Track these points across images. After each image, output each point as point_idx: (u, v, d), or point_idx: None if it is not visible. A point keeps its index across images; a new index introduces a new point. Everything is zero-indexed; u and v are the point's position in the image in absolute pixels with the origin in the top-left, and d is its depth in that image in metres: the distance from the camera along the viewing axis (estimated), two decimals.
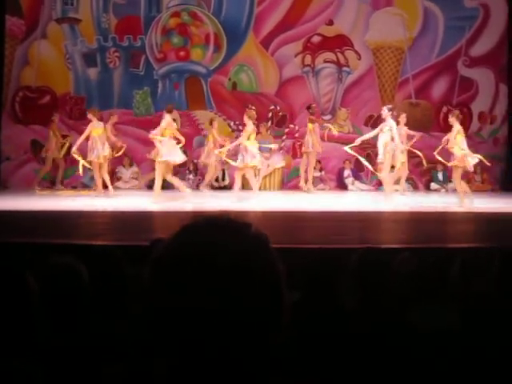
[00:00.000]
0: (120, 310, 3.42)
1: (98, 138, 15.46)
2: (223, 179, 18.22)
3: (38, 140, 18.27)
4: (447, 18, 18.94)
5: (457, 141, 13.92)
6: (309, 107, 17.35)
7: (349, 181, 18.50)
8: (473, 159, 13.91)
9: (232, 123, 18.63)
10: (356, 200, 15.51)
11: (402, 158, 15.15)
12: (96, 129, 15.50)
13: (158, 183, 14.18)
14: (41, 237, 7.85)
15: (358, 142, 15.25)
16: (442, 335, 3.04)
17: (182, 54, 19.04)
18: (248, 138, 14.26)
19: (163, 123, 14.21)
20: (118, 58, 18.88)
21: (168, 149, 13.99)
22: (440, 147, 14.64)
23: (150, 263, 1.54)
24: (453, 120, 14.21)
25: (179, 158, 14.28)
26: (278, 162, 18.27)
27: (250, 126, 14.37)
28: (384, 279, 3.78)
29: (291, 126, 18.88)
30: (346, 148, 15.29)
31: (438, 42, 19.07)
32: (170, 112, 14.36)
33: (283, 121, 18.96)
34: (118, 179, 18.11)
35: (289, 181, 18.79)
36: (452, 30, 18.94)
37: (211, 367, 1.46)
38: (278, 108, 18.97)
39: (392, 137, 14.12)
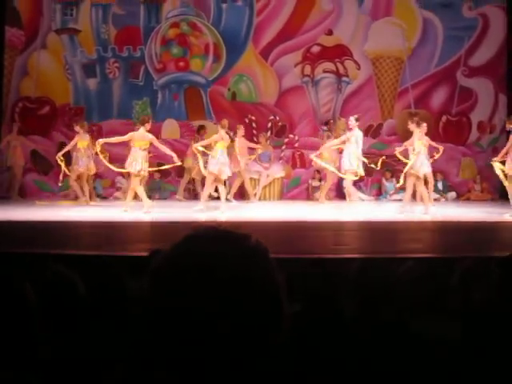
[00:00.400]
0: (119, 320, 3.41)
1: (84, 151, 15.82)
2: None
3: (38, 150, 18.30)
4: (446, 28, 18.97)
5: (415, 148, 14.23)
6: (327, 123, 17.42)
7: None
8: (427, 168, 14.40)
9: (232, 133, 18.64)
10: (356, 210, 15.46)
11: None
12: (82, 141, 15.80)
13: (141, 194, 14.24)
14: (40, 247, 7.84)
15: (322, 149, 15.41)
16: (444, 345, 3.03)
17: (181, 64, 19.08)
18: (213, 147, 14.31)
19: (128, 135, 14.30)
20: (118, 68, 18.92)
21: (130, 159, 14.04)
22: (400, 149, 15.03)
23: (150, 274, 1.53)
24: (413, 126, 14.42)
25: (133, 168, 14.17)
26: (278, 172, 18.26)
27: (217, 135, 14.44)
28: (384, 289, 3.76)
29: (291, 135, 18.90)
30: (312, 156, 15.49)
31: (437, 51, 19.10)
32: (142, 124, 14.26)
33: (283, 131, 18.97)
34: (118, 189, 18.11)
35: (288, 191, 18.79)
36: (451, 40, 18.96)
37: (212, 375, 1.46)
38: (278, 118, 18.98)
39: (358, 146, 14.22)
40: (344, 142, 14.51)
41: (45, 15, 18.79)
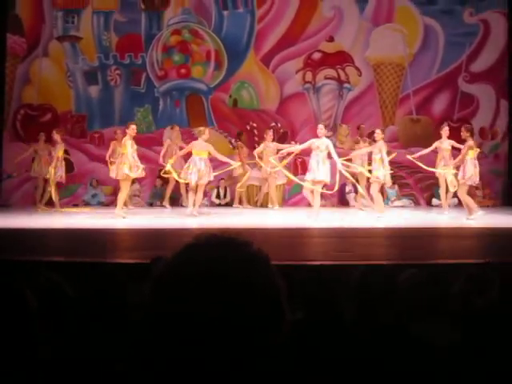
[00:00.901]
0: (120, 326, 3.41)
1: (61, 159, 16.22)
2: (224, 196, 18.20)
3: None
4: (447, 34, 18.98)
5: (381, 157, 14.49)
6: (358, 127, 17.43)
7: (350, 197, 18.45)
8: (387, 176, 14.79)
9: (233, 140, 18.64)
10: (358, 216, 15.47)
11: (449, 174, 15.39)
12: (61, 150, 16.11)
13: (120, 197, 14.70)
14: (40, 255, 7.84)
15: (284, 152, 15.68)
16: (444, 349, 3.02)
17: (182, 71, 19.09)
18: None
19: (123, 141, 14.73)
20: (119, 75, 18.94)
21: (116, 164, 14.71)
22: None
23: (152, 281, 1.53)
24: (379, 137, 14.58)
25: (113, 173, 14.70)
26: (280, 178, 18.23)
27: (191, 144, 15.08)
28: (386, 295, 3.76)
29: (292, 142, 18.85)
30: (271, 159, 15.68)
31: (438, 58, 19.10)
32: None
33: (284, 137, 18.95)
34: None
35: (290, 197, 18.77)
36: (452, 46, 18.97)
37: (212, 381, 1.46)
38: (279, 125, 18.98)
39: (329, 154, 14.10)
40: (307, 149, 14.40)
41: (46, 23, 18.82)
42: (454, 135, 16.97)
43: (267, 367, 1.50)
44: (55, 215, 15.22)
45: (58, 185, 16.36)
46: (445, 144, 15.65)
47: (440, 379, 2.83)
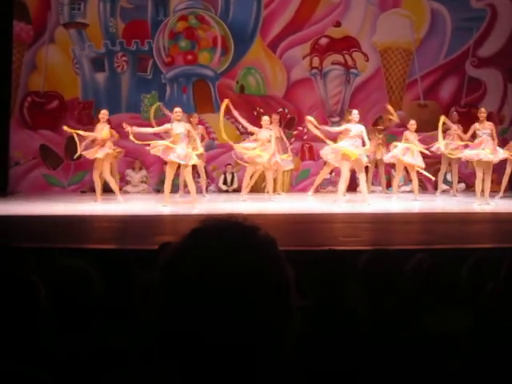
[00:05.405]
0: (129, 314, 3.42)
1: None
2: (232, 183, 18.18)
3: (47, 145, 18.32)
4: (455, 19, 18.91)
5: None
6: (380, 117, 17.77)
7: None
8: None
9: (240, 126, 18.61)
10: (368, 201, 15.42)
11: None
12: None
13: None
14: (51, 242, 7.86)
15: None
16: (454, 338, 3.02)
17: (189, 57, 19.06)
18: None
19: None
20: (126, 62, 18.91)
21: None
22: None
23: (159, 267, 1.53)
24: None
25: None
26: (287, 164, 18.20)
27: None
28: (394, 281, 3.76)
29: (300, 128, 18.84)
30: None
31: (445, 43, 19.04)
32: None
33: (291, 123, 18.93)
34: (127, 183, 18.10)
35: (297, 183, 18.77)
36: (459, 31, 18.91)
37: (218, 372, 1.45)
38: (287, 111, 18.94)
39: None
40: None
41: (53, 9, 18.77)
42: (462, 120, 16.97)
43: (274, 359, 1.50)
44: (63, 202, 15.23)
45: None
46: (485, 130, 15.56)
47: (452, 365, 2.83)
